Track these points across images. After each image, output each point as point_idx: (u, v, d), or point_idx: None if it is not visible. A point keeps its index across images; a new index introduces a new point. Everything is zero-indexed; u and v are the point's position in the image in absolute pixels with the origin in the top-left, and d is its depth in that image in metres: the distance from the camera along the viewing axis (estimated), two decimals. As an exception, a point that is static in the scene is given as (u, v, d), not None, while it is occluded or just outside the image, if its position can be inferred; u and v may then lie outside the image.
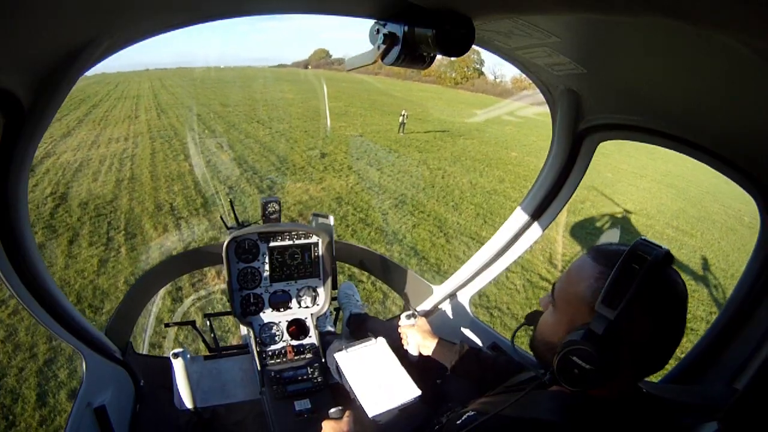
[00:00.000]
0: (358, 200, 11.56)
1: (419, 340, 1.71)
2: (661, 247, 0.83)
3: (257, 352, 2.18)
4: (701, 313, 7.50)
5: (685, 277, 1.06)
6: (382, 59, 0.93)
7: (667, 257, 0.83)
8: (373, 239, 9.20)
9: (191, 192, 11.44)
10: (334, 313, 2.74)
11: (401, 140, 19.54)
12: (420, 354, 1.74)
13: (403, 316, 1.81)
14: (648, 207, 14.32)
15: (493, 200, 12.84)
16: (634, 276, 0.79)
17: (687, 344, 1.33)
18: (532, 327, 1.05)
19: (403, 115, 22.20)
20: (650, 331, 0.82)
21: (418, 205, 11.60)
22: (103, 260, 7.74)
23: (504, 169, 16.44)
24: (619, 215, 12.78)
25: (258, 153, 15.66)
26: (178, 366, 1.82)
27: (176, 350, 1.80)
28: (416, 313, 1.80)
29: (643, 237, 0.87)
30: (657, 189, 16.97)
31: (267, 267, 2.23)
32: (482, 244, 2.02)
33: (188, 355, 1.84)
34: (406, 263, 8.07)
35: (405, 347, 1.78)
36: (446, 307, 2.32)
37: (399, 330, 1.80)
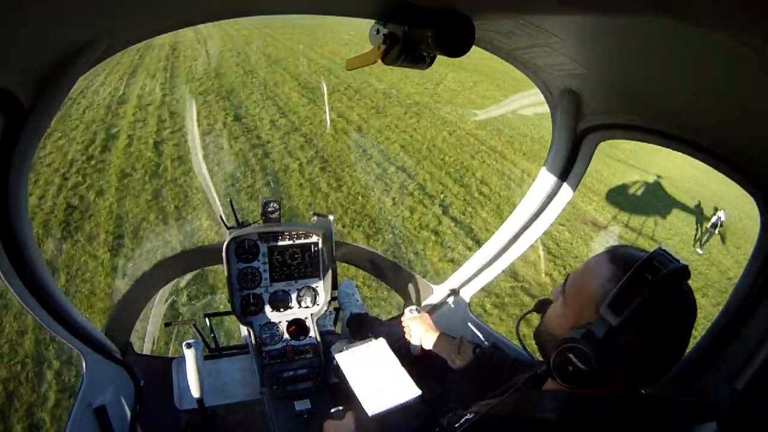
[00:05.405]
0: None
1: (422, 333, 1.77)
2: (679, 261, 0.81)
3: (257, 352, 2.18)
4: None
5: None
6: (383, 59, 0.93)
7: (683, 272, 0.80)
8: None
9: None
10: (334, 313, 2.74)
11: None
12: (422, 348, 1.79)
13: (406, 310, 1.89)
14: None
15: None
16: (645, 285, 0.78)
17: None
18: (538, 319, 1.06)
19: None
20: (651, 344, 0.82)
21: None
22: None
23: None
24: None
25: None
26: (189, 357, 1.77)
27: (190, 341, 1.76)
28: (419, 308, 1.89)
29: (663, 247, 0.84)
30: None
31: (267, 267, 2.23)
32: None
33: (201, 347, 1.79)
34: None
35: (408, 339, 1.84)
36: (446, 308, 2.32)
37: (403, 322, 1.87)
